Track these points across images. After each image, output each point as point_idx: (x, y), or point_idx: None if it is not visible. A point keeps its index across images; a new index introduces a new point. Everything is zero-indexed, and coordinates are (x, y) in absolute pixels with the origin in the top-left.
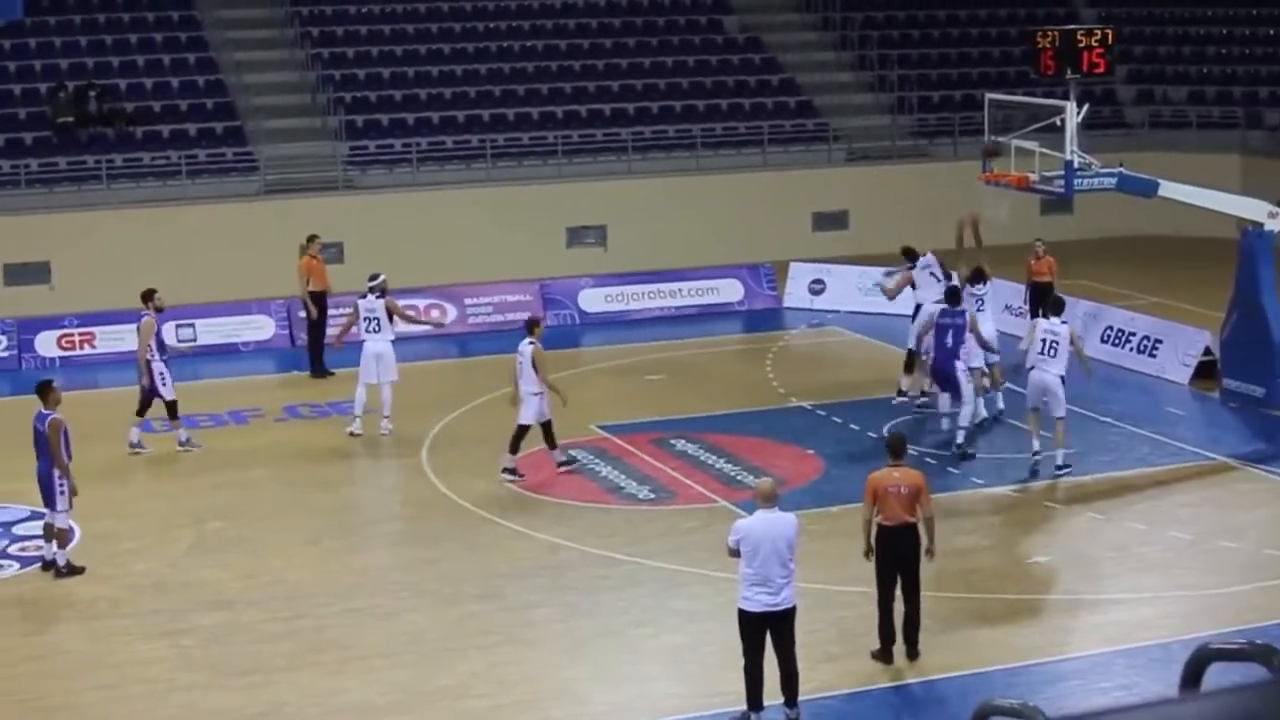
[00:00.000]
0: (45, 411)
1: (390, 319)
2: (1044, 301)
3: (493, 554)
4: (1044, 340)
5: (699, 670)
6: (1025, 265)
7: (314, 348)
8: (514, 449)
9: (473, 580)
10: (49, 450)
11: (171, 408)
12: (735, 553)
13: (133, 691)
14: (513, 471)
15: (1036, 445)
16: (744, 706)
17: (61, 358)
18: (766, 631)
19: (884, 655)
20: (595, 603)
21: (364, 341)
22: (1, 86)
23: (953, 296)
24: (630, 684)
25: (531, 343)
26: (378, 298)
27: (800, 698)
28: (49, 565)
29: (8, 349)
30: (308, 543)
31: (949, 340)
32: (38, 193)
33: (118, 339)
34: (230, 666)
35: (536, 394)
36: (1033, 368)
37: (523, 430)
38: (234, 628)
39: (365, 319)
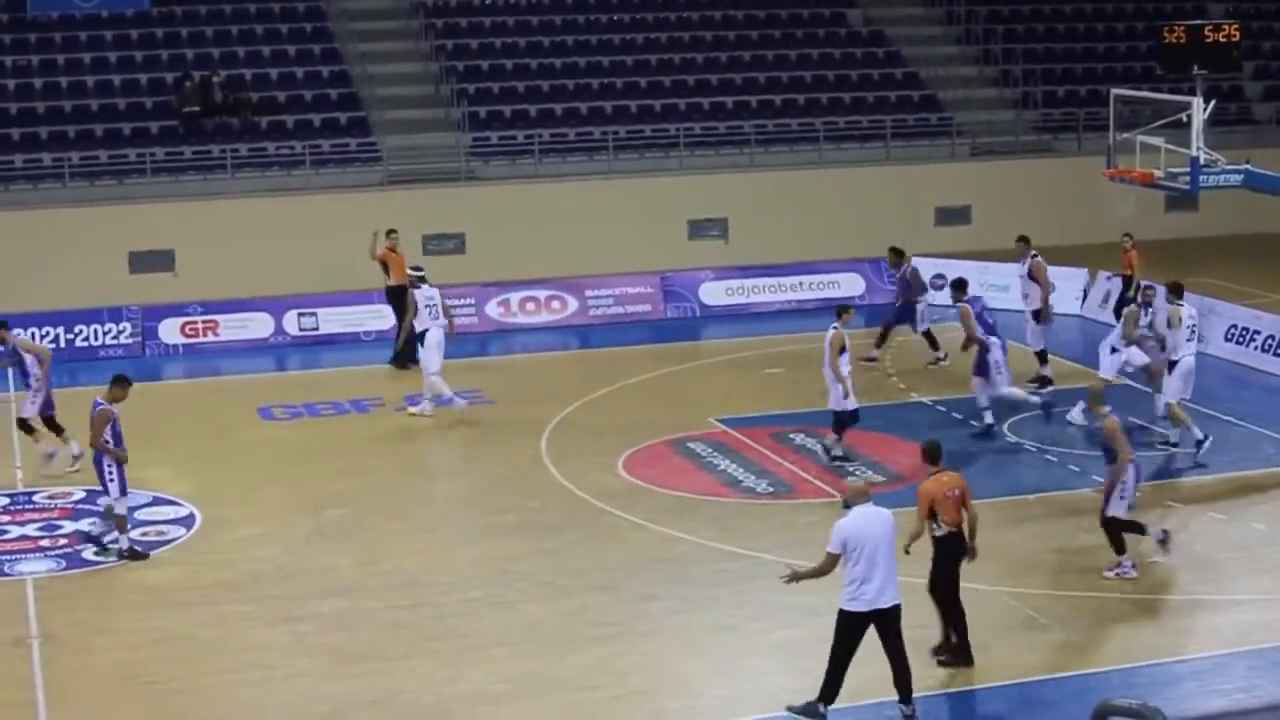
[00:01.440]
0: (99, 401)
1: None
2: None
3: (610, 545)
4: (1190, 327)
5: (815, 665)
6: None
7: (404, 340)
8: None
9: (590, 571)
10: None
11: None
12: (836, 557)
13: (251, 677)
14: (842, 458)
15: (1199, 433)
16: (813, 696)
17: (185, 345)
18: (868, 628)
19: (963, 654)
20: (712, 596)
21: (428, 330)
22: (128, 76)
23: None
24: (745, 678)
25: (835, 327)
26: (431, 286)
27: (920, 694)
28: (126, 552)
29: (132, 335)
30: (426, 531)
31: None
32: (163, 181)
33: (240, 327)
34: (348, 653)
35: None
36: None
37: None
38: (352, 615)
39: (427, 306)
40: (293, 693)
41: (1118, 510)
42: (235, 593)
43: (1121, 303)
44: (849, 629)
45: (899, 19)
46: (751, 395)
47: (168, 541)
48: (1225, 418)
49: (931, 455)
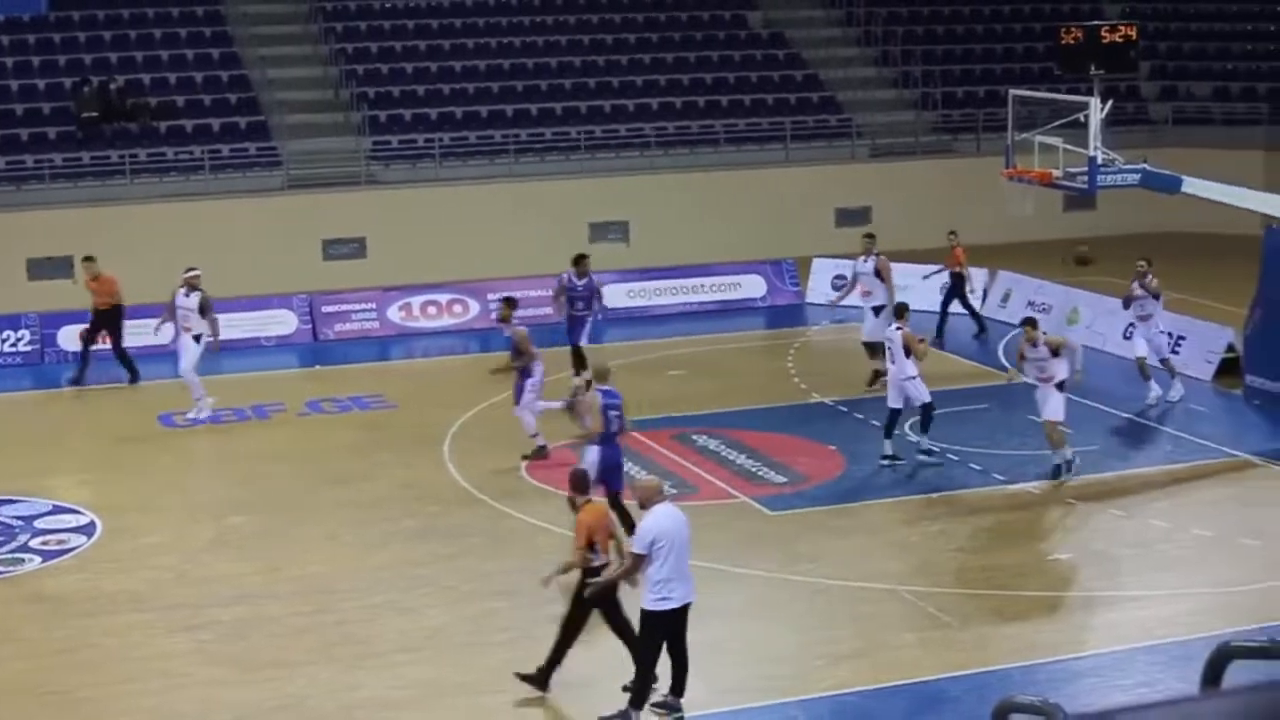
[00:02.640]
0: None
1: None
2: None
3: (513, 549)
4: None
5: (720, 667)
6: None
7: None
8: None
9: (492, 575)
10: None
11: None
12: (645, 557)
13: (154, 685)
14: (928, 452)
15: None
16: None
17: (83, 351)
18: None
19: (542, 679)
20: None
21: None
22: (25, 81)
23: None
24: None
25: (899, 328)
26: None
27: (820, 694)
28: None
29: (31, 343)
30: (328, 537)
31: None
32: (62, 187)
33: (141, 333)
34: (250, 661)
35: (910, 378)
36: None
37: (896, 414)
38: (254, 622)
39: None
40: (195, 701)
41: None
42: (137, 601)
43: (949, 299)
44: (659, 629)
45: (799, 21)
46: (654, 397)
47: (69, 550)
48: (1125, 415)
49: (579, 485)
